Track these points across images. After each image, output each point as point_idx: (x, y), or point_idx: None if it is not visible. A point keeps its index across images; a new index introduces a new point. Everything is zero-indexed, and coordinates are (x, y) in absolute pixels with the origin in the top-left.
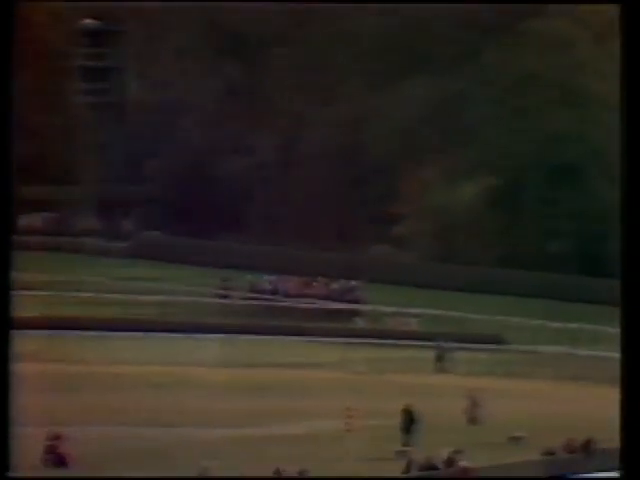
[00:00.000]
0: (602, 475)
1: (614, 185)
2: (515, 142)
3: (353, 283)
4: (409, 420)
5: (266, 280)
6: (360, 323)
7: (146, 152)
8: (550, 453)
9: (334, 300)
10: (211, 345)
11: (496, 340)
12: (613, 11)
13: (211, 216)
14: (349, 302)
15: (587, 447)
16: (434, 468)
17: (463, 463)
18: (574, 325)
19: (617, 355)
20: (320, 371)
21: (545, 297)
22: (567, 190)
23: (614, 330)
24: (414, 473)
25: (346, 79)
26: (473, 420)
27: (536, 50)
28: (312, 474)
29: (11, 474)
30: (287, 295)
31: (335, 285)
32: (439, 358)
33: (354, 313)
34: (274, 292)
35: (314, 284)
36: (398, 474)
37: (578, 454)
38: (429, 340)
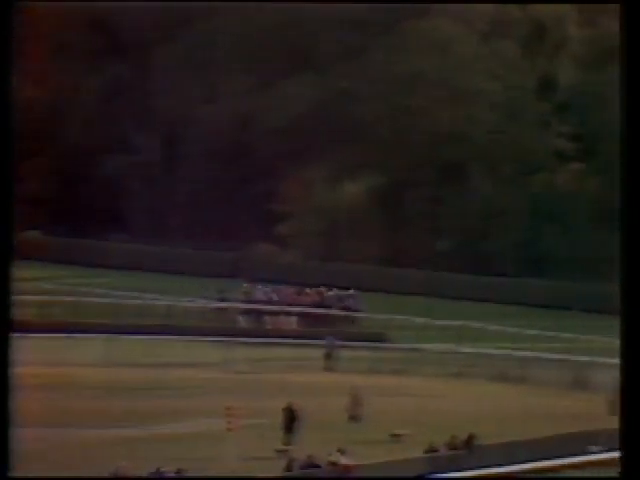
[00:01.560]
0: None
1: (498, 184)
2: (401, 141)
3: (350, 292)
4: (290, 419)
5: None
6: (243, 322)
7: (25, 151)
8: (433, 450)
9: (329, 308)
10: (93, 345)
11: (380, 338)
12: (498, 11)
13: (93, 215)
14: (343, 309)
15: (469, 443)
16: (315, 466)
17: (344, 461)
18: (458, 322)
19: (497, 352)
20: (202, 371)
21: (430, 295)
22: (452, 189)
23: (496, 327)
24: (295, 472)
25: (230, 78)
26: (355, 418)
27: (421, 49)
28: (191, 474)
29: (11, 474)
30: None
31: (330, 293)
32: (327, 356)
33: (242, 312)
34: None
35: (307, 292)
36: (279, 473)
37: (461, 451)
38: (315, 339)
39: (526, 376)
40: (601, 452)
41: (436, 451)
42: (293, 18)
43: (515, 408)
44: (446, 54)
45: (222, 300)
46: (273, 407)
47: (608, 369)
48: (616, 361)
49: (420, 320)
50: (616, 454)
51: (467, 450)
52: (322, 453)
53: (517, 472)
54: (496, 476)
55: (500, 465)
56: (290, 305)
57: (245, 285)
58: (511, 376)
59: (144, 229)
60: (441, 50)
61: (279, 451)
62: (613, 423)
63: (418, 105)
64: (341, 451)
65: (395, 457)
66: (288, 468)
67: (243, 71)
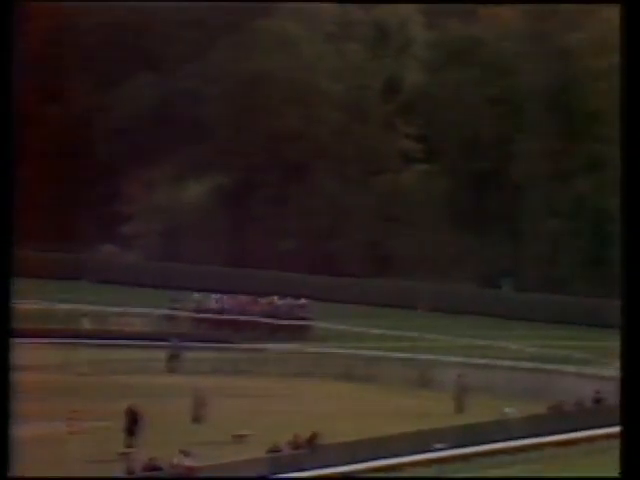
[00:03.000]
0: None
1: (344, 184)
2: (245, 141)
3: (302, 301)
4: (133, 421)
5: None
6: (87, 324)
7: None
8: (275, 450)
9: (280, 317)
10: None
11: (224, 339)
12: (343, 13)
13: None
14: (297, 319)
15: (312, 443)
16: (157, 469)
17: (187, 462)
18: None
19: (343, 351)
20: (43, 373)
21: (275, 294)
22: (297, 189)
23: (342, 327)
24: (137, 474)
25: (72, 77)
26: (198, 419)
27: (266, 49)
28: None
29: (11, 474)
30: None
31: (281, 302)
32: (171, 358)
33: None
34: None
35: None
36: (121, 475)
37: (304, 450)
38: (158, 340)
39: (372, 375)
40: (446, 449)
41: (279, 451)
42: (136, 17)
43: (360, 407)
44: (291, 54)
45: (174, 309)
46: (115, 409)
47: (452, 367)
48: (460, 359)
49: (265, 320)
50: (465, 450)
51: (310, 449)
52: (165, 455)
53: (361, 471)
54: (340, 476)
55: (343, 464)
56: (242, 314)
57: (196, 295)
58: (356, 375)
59: None
60: (286, 50)
61: (121, 453)
62: (458, 420)
63: (263, 105)
64: (184, 453)
65: (238, 458)
66: (129, 471)
67: (84, 71)
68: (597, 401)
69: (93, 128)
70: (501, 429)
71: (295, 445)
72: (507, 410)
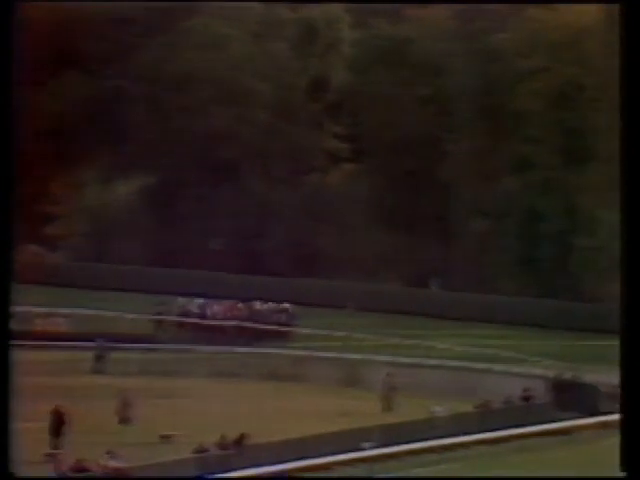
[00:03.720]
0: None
1: (272, 183)
2: (173, 140)
3: (285, 305)
4: (58, 422)
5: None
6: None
7: None
8: (202, 450)
9: (261, 322)
10: None
11: (151, 340)
12: (270, 12)
13: None
14: (279, 324)
15: (240, 443)
16: (85, 470)
17: (114, 464)
18: (232, 322)
19: (271, 351)
20: None
21: (204, 295)
22: (225, 188)
23: (271, 327)
24: (64, 475)
25: None
26: (125, 420)
27: (193, 49)
28: None
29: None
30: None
31: (262, 306)
32: (98, 358)
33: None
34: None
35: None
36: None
37: (231, 450)
38: (84, 340)
39: (300, 375)
40: (373, 448)
41: (205, 451)
42: (64, 15)
43: (288, 407)
44: (218, 54)
45: (159, 314)
46: (40, 411)
47: (381, 367)
48: (388, 358)
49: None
50: (392, 449)
51: (238, 449)
52: (92, 456)
53: (288, 470)
54: (268, 475)
55: (271, 464)
56: (225, 319)
57: (180, 299)
58: (285, 375)
59: None
60: (213, 50)
61: (47, 455)
62: (386, 419)
63: (190, 104)
64: (111, 454)
65: (165, 458)
66: (57, 472)
67: None
68: (526, 399)
69: (17, 127)
70: (429, 428)
71: (222, 445)
72: (435, 409)
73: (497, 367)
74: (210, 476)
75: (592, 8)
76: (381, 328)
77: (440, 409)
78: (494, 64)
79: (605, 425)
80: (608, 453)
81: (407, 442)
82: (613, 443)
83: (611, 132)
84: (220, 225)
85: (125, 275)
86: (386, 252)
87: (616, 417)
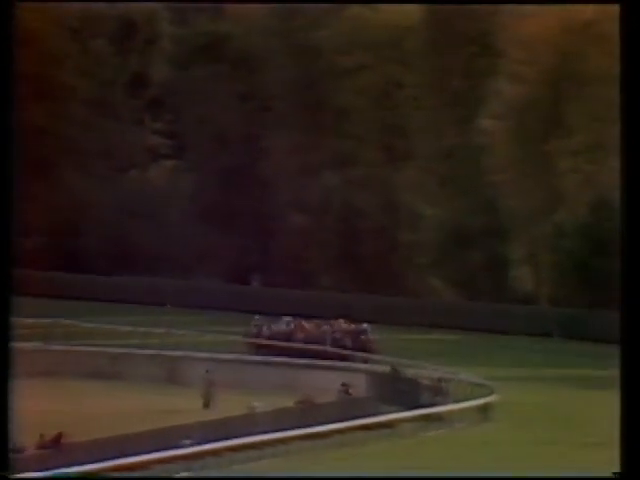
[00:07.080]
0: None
1: (90, 180)
2: None
3: (364, 326)
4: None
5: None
6: None
7: None
8: (20, 450)
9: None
10: None
11: None
12: (88, 8)
13: None
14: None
15: (58, 442)
16: None
17: None
18: (49, 320)
19: (91, 349)
20: None
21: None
22: (42, 185)
23: (91, 325)
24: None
25: None
26: None
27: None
28: None
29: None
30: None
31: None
32: None
33: None
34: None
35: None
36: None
37: (49, 450)
38: None
39: (119, 372)
40: (193, 445)
41: (23, 451)
42: None
43: (108, 405)
44: (35, 49)
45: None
46: None
47: (201, 363)
48: (208, 355)
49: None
50: (212, 445)
51: (56, 449)
52: None
53: (107, 469)
54: (88, 475)
55: (90, 462)
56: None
57: (257, 317)
58: (104, 373)
59: None
60: (30, 45)
61: None
62: (206, 416)
63: None
64: None
65: None
66: None
67: None
68: (345, 393)
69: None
70: (248, 424)
71: (40, 445)
72: (254, 404)
73: (319, 362)
74: (29, 475)
75: (414, 8)
76: (201, 324)
77: (259, 404)
78: (314, 61)
79: (426, 418)
80: (429, 445)
81: (227, 438)
82: (434, 436)
83: (430, 130)
84: (36, 222)
85: None
86: (207, 249)
87: (436, 410)
